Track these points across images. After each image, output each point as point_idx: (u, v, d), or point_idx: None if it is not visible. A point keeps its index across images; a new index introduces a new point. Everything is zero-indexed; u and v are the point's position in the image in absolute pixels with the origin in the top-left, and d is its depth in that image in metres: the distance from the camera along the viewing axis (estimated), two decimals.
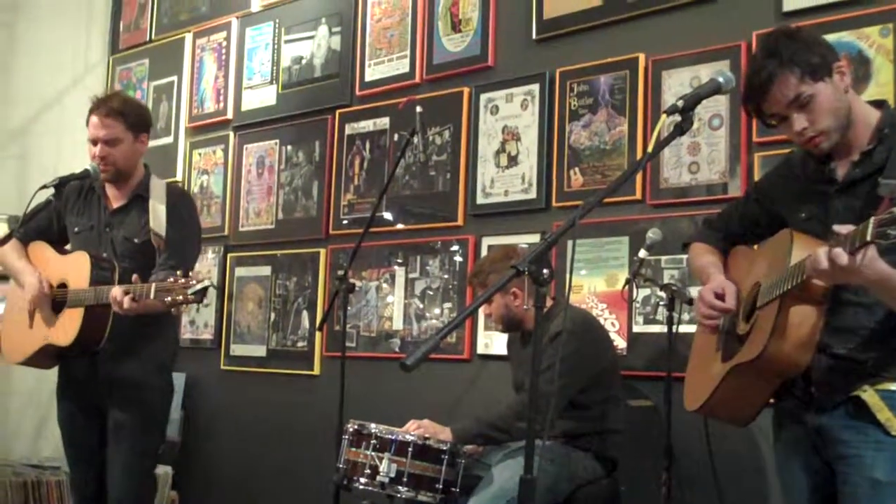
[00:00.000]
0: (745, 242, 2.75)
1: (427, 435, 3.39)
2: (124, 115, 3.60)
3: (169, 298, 3.12)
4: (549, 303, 3.68)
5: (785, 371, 2.35)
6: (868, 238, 1.92)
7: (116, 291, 3.24)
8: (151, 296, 3.16)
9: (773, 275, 2.35)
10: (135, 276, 3.26)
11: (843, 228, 2.04)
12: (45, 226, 3.76)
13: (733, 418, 2.59)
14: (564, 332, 3.23)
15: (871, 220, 1.92)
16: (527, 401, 2.50)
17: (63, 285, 3.58)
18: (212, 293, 5.62)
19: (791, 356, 2.30)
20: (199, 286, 3.10)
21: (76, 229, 3.70)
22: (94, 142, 3.60)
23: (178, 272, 3.15)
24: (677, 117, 2.29)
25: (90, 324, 3.43)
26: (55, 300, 3.59)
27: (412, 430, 3.44)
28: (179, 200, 3.70)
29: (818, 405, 2.35)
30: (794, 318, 2.28)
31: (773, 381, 2.41)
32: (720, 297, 2.56)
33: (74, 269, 3.54)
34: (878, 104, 2.43)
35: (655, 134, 2.30)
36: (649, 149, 2.31)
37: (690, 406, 2.65)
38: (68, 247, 3.76)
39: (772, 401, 2.51)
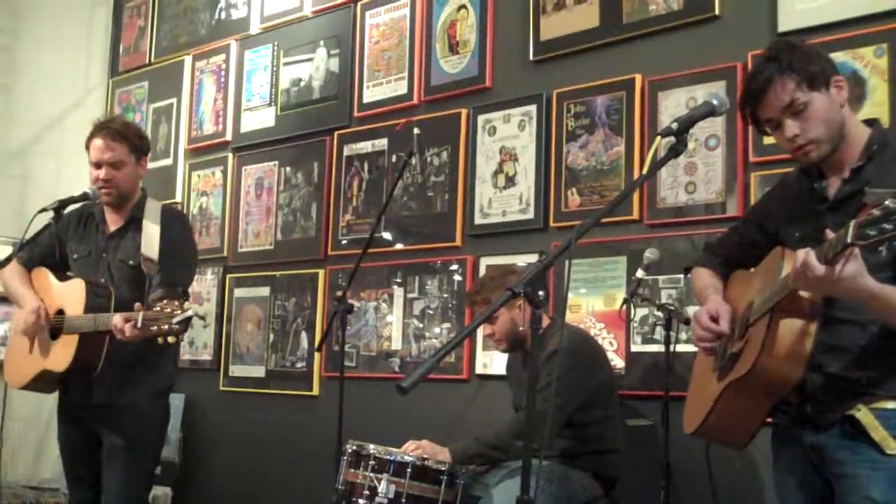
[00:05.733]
0: (745, 266, 2.73)
1: (425, 455, 3.38)
2: (128, 138, 3.62)
3: (155, 328, 3.12)
4: (545, 322, 3.68)
5: (776, 386, 2.34)
6: (849, 240, 1.93)
7: (118, 320, 3.24)
8: (139, 325, 3.15)
9: (765, 291, 2.36)
10: (137, 305, 3.26)
11: (832, 234, 2.05)
12: (47, 252, 3.76)
13: (729, 441, 2.57)
14: (560, 351, 3.23)
15: (852, 223, 1.92)
16: (524, 419, 2.50)
17: (61, 312, 3.59)
18: (209, 315, 5.64)
19: (781, 370, 2.29)
20: (182, 315, 3.09)
21: (75, 256, 3.71)
22: (98, 165, 3.60)
23: (165, 299, 3.15)
24: (672, 139, 2.32)
25: (85, 350, 3.44)
26: (53, 327, 3.59)
27: (410, 451, 3.44)
28: (174, 221, 3.70)
29: (813, 424, 2.34)
30: (784, 331, 2.27)
31: (768, 398, 2.39)
32: (714, 319, 2.55)
33: (71, 296, 3.54)
34: (870, 123, 2.45)
35: (650, 155, 2.33)
36: (644, 170, 2.33)
37: (688, 429, 2.64)
38: (70, 273, 3.76)
39: (769, 420, 2.50)
